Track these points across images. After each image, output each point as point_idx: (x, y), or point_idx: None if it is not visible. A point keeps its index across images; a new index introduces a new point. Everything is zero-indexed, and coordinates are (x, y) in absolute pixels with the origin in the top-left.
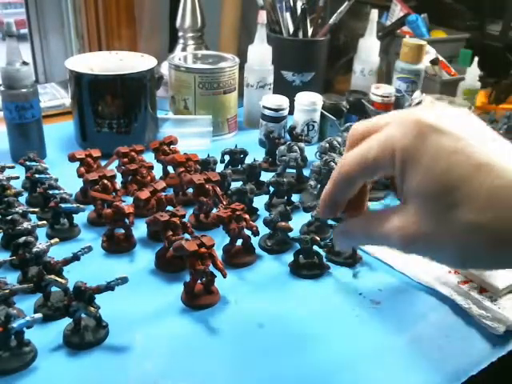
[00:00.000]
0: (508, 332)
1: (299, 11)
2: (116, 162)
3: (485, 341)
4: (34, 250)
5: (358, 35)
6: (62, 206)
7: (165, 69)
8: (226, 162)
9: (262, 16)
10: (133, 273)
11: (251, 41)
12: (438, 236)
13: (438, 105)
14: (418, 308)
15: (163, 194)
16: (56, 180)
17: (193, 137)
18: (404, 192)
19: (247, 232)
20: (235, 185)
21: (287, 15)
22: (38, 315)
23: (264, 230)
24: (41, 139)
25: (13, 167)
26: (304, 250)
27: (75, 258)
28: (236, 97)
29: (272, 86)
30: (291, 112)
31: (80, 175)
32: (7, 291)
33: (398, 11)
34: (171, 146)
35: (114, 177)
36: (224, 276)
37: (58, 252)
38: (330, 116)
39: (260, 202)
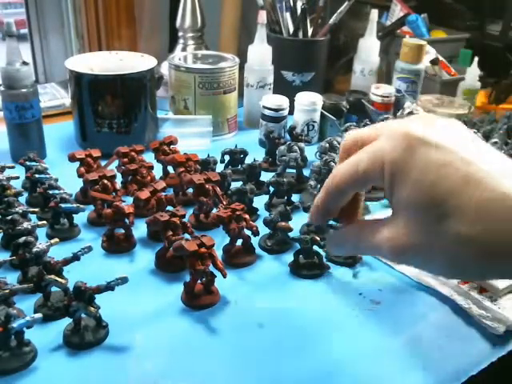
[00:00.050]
0: (508, 332)
1: (299, 11)
2: (116, 162)
3: (485, 341)
4: (34, 250)
5: (358, 35)
6: (62, 205)
7: (165, 69)
8: (225, 162)
9: (262, 16)
10: (133, 273)
11: (251, 41)
12: (427, 247)
13: (428, 116)
14: (418, 308)
15: (163, 194)
16: (56, 180)
17: (193, 137)
18: (394, 204)
19: (247, 232)
20: (235, 185)
21: (287, 15)
22: (38, 315)
23: (264, 230)
24: (41, 139)
25: (13, 167)
26: (304, 249)
27: (75, 258)
28: (236, 97)
29: (272, 85)
30: (291, 112)
31: (80, 175)
32: (7, 291)
33: (398, 11)
34: (171, 146)
35: (114, 177)
36: (224, 276)
37: (58, 252)
38: (330, 116)
39: (260, 201)
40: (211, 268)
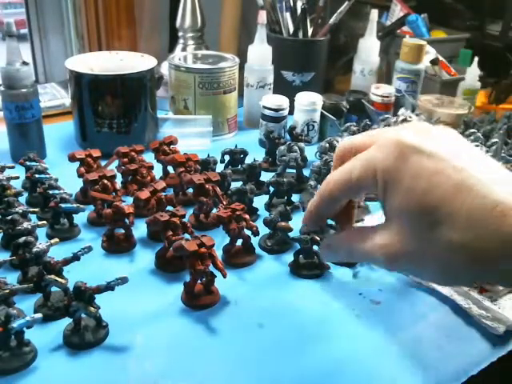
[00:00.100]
0: (508, 332)
1: (299, 11)
2: (116, 162)
3: (485, 341)
4: (34, 250)
5: (358, 35)
6: (62, 205)
7: (165, 69)
8: (225, 162)
9: (262, 16)
10: (133, 273)
11: (251, 41)
12: (420, 254)
13: (421, 124)
14: (418, 308)
15: (163, 194)
16: (56, 180)
17: (193, 137)
18: (387, 211)
19: (247, 232)
20: (235, 185)
21: (287, 15)
22: (38, 315)
23: (264, 230)
24: (41, 139)
25: (13, 167)
26: (304, 249)
27: (75, 258)
28: (236, 97)
29: (272, 85)
30: (291, 112)
31: (80, 175)
32: (7, 291)
33: (397, 11)
34: (171, 146)
35: (114, 177)
36: (224, 276)
37: (58, 252)
38: (330, 116)
39: (260, 202)
40: (211, 268)
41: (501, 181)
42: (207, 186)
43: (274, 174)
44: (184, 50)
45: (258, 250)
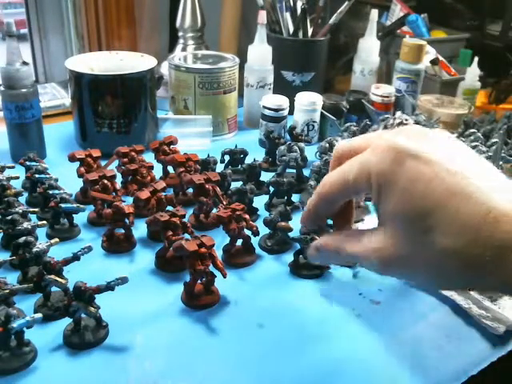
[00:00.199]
0: (508, 332)
1: (299, 11)
2: (116, 162)
3: (485, 341)
4: (34, 250)
5: (358, 35)
6: (62, 205)
7: (165, 69)
8: (225, 162)
9: (262, 16)
10: (133, 273)
11: (251, 41)
12: (413, 259)
13: (416, 128)
14: (418, 308)
15: (163, 194)
16: (56, 180)
17: (193, 137)
18: (381, 214)
19: (247, 232)
20: (235, 185)
21: (287, 15)
22: (38, 315)
23: (264, 230)
24: (41, 139)
25: (13, 167)
26: (304, 249)
27: (75, 258)
28: (236, 97)
29: (272, 85)
30: (291, 112)
31: (80, 175)
32: (7, 291)
33: (398, 11)
34: (171, 146)
35: (114, 177)
36: (224, 276)
37: (57, 252)
38: (330, 116)
39: (260, 202)
40: (211, 268)
41: (499, 188)
42: (207, 186)
43: (273, 173)
44: (184, 49)
45: (258, 250)
